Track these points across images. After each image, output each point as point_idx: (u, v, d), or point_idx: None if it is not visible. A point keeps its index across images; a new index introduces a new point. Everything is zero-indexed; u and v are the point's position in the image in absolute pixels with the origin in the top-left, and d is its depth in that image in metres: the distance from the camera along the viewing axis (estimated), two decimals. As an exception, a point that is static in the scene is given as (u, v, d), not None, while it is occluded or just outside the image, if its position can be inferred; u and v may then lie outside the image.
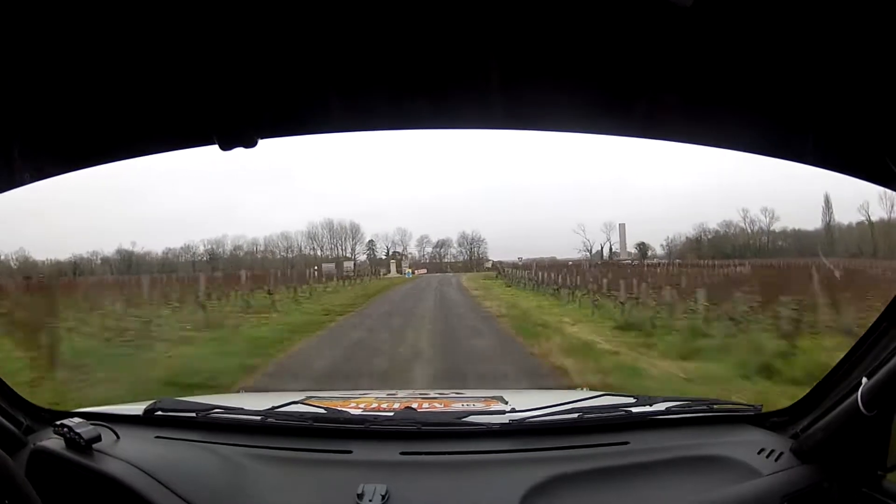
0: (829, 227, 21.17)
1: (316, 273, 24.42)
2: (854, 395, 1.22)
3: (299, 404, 1.70)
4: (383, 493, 1.32)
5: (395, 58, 1.10)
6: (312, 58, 1.09)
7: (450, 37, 1.04)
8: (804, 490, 1.31)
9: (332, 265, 23.97)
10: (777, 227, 23.72)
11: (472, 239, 28.96)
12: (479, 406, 1.79)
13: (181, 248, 25.26)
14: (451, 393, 2.17)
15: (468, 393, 2.17)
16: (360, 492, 1.33)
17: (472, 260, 28.58)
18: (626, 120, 1.29)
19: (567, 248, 25.84)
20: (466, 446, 1.53)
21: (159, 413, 1.69)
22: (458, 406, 1.81)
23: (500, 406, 1.77)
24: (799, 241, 21.95)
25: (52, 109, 1.18)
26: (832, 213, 20.95)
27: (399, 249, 28.15)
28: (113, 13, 0.91)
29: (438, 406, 1.84)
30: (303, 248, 26.56)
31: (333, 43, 1.05)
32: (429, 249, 28.71)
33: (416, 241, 28.46)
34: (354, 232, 28.11)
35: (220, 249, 26.08)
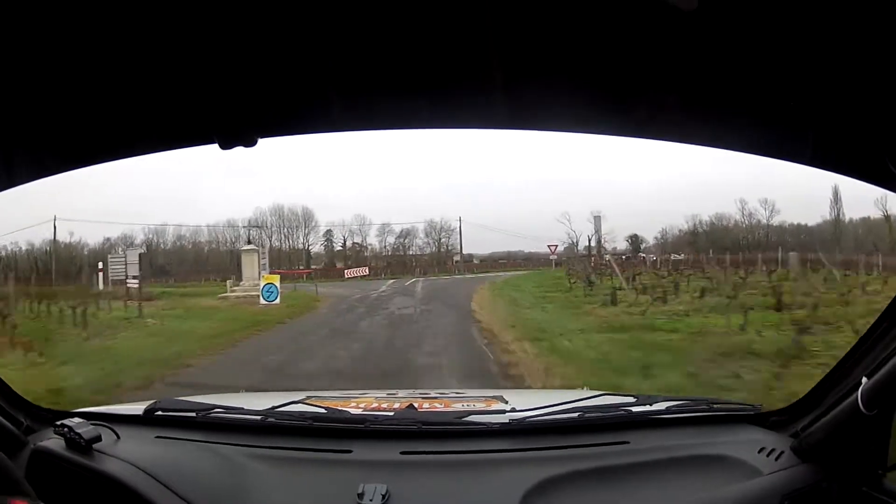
0: (838, 222, 20.35)
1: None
2: (854, 395, 1.22)
3: (299, 404, 1.70)
4: (383, 493, 1.32)
5: (396, 57, 1.10)
6: (313, 57, 1.09)
7: (452, 37, 1.04)
8: (804, 489, 1.31)
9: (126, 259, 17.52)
10: (776, 220, 23.00)
11: (442, 228, 25.32)
12: (480, 406, 1.79)
13: (118, 237, 23.15)
14: (451, 393, 2.18)
15: (468, 393, 2.17)
16: (360, 491, 1.33)
17: (441, 253, 25.20)
18: (626, 120, 1.29)
19: (543, 242, 24.53)
20: (467, 446, 1.53)
21: (159, 413, 1.69)
22: (458, 406, 1.81)
23: (500, 406, 1.77)
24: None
25: (53, 108, 1.18)
26: (840, 206, 20.27)
27: (358, 240, 24.71)
28: (114, 11, 0.91)
29: (439, 406, 1.84)
30: (251, 238, 23.61)
31: (334, 42, 1.05)
32: (391, 240, 25.52)
33: (376, 230, 25.07)
34: (307, 219, 24.63)
35: (161, 239, 23.92)
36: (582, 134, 1.39)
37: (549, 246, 23.74)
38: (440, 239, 25.78)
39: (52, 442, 1.49)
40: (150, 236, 24.22)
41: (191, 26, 0.97)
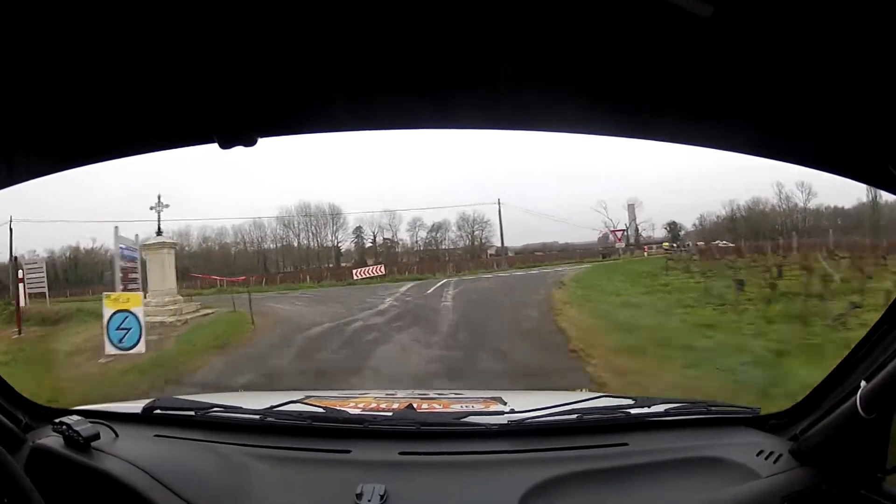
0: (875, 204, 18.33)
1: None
2: (853, 398, 1.22)
3: (298, 403, 1.70)
4: (382, 493, 1.32)
5: (399, 57, 1.10)
6: (315, 56, 1.09)
7: (455, 37, 1.03)
8: (803, 492, 1.31)
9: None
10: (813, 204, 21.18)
11: (474, 220, 23.02)
12: (479, 407, 1.79)
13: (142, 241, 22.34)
14: (450, 393, 2.18)
15: (467, 393, 2.17)
16: (358, 491, 1.33)
17: (475, 246, 23.15)
18: (628, 121, 1.29)
19: (574, 232, 22.56)
20: (465, 447, 1.53)
21: (158, 411, 1.69)
22: (457, 406, 1.81)
23: (499, 407, 1.77)
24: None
25: (52, 106, 1.18)
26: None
27: (388, 235, 22.49)
28: (113, 9, 0.91)
29: (437, 406, 1.84)
30: (277, 237, 22.68)
31: (336, 41, 1.05)
32: (423, 234, 23.57)
33: (407, 225, 23.27)
34: (335, 216, 23.06)
35: (185, 241, 22.20)
36: (584, 134, 1.39)
37: (611, 232, 20.82)
38: (473, 231, 23.59)
39: (51, 440, 1.49)
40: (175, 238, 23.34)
41: (191, 26, 0.97)
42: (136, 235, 12.73)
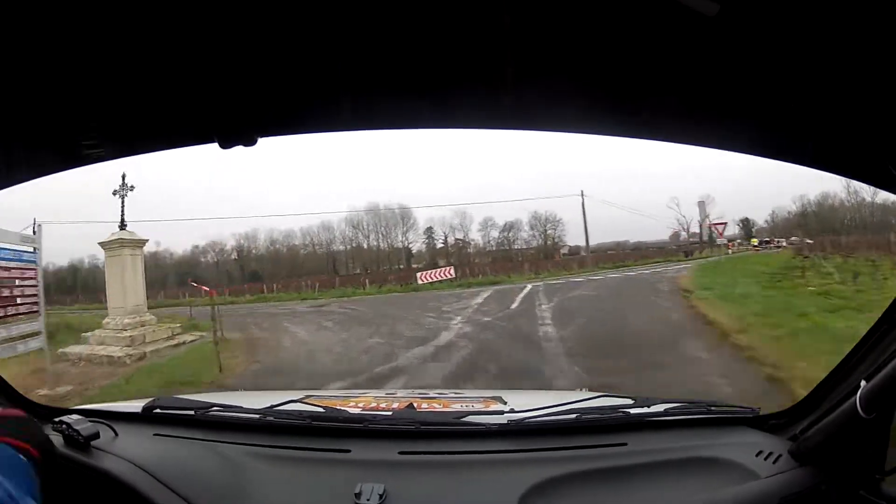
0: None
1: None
2: (853, 398, 1.22)
3: (298, 403, 1.70)
4: (381, 493, 1.32)
5: (401, 57, 1.10)
6: (315, 55, 1.09)
7: (457, 36, 1.03)
8: (802, 492, 1.31)
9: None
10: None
11: (546, 219, 21.92)
12: (478, 406, 1.79)
13: (207, 244, 21.63)
14: (450, 393, 2.18)
15: (467, 393, 2.17)
16: (357, 491, 1.33)
17: (548, 246, 22.02)
18: (629, 121, 1.29)
19: (642, 230, 21.13)
20: (465, 446, 1.53)
21: (158, 411, 1.69)
22: (457, 406, 1.81)
23: (499, 406, 1.77)
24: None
25: (53, 106, 1.18)
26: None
27: (460, 236, 21.29)
28: (113, 8, 0.91)
29: (437, 406, 1.84)
30: (346, 239, 21.86)
31: (337, 40, 1.04)
32: (494, 234, 22.30)
33: (478, 225, 22.13)
34: (405, 217, 22.18)
35: (252, 244, 22.32)
36: (586, 135, 1.38)
37: (713, 226, 18.21)
38: (545, 230, 22.36)
39: (51, 439, 1.49)
40: (242, 241, 22.61)
41: (192, 26, 0.97)
42: (39, 226, 8.90)
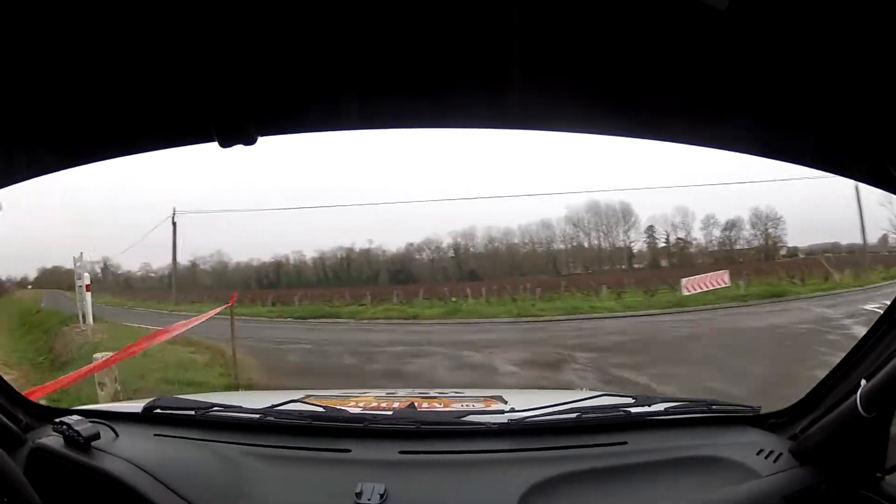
0: None
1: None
2: (853, 397, 1.22)
3: (298, 403, 1.70)
4: (381, 493, 1.32)
5: (401, 55, 1.09)
6: (317, 53, 1.08)
7: (459, 35, 1.03)
8: (802, 491, 1.31)
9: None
10: None
11: (767, 217, 18.99)
12: (479, 406, 1.79)
13: (422, 241, 19.81)
14: (450, 392, 2.17)
15: (468, 392, 2.17)
16: (358, 490, 1.33)
17: (768, 246, 19.33)
18: (628, 121, 1.28)
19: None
20: (465, 446, 1.53)
21: (158, 411, 1.69)
22: (457, 405, 1.81)
23: (499, 406, 1.77)
24: None
25: (51, 104, 1.17)
26: None
27: (682, 234, 19.14)
28: (111, 5, 0.91)
29: (438, 405, 1.84)
30: (565, 238, 19.61)
31: (338, 39, 1.04)
32: (716, 233, 19.89)
33: (700, 223, 19.64)
34: (626, 214, 19.98)
35: (469, 243, 20.55)
36: (586, 135, 1.38)
37: None
38: (766, 229, 19.70)
39: (51, 439, 1.49)
40: (458, 239, 21.02)
41: (191, 23, 0.97)
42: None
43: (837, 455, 1.32)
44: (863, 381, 1.22)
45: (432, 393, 2.12)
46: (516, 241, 21.17)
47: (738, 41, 0.98)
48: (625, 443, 1.52)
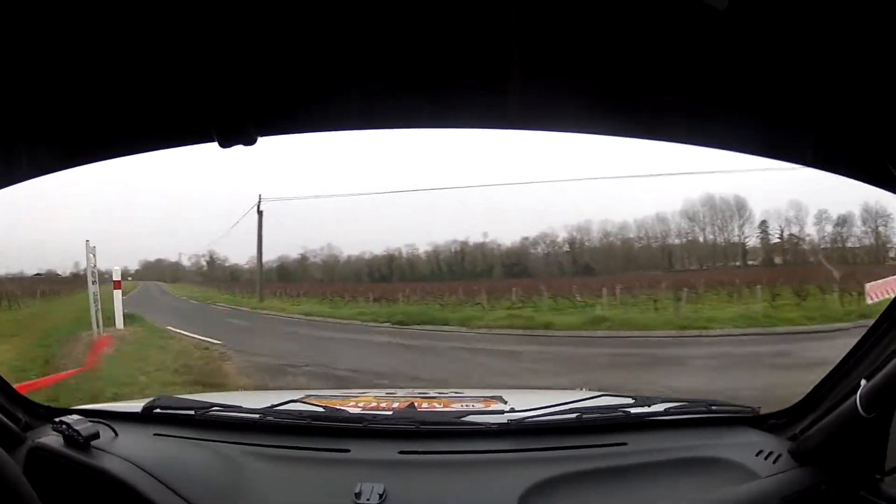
0: None
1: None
2: (853, 398, 1.22)
3: (298, 402, 1.70)
4: (381, 492, 1.32)
5: (401, 55, 1.09)
6: (317, 53, 1.08)
7: (459, 35, 1.03)
8: (802, 492, 1.31)
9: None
10: None
11: (877, 213, 16.80)
12: (479, 406, 1.79)
13: (538, 234, 18.54)
14: (450, 392, 2.17)
15: (467, 392, 2.17)
16: (357, 490, 1.33)
17: (878, 246, 17.26)
18: (628, 121, 1.28)
19: None
20: (465, 446, 1.53)
21: (158, 411, 1.69)
22: (457, 406, 1.81)
23: (499, 406, 1.77)
24: None
25: (51, 105, 1.17)
26: None
27: (795, 230, 17.10)
28: (111, 5, 0.91)
29: (437, 405, 1.83)
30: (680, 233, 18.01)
31: (338, 39, 1.04)
32: (829, 228, 17.83)
33: (813, 218, 17.55)
34: (740, 208, 18.58)
35: (585, 238, 19.33)
36: (586, 134, 1.38)
37: None
38: (876, 227, 17.88)
39: (51, 439, 1.49)
40: (574, 233, 19.84)
41: (191, 22, 0.97)
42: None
43: (837, 456, 1.32)
44: (863, 382, 1.22)
45: (432, 393, 2.12)
46: (631, 235, 19.39)
47: (738, 41, 0.98)
48: (625, 443, 1.52)
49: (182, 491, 1.37)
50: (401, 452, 1.49)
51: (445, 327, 11.85)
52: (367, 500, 1.32)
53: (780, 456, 1.41)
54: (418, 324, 12.14)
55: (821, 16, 0.90)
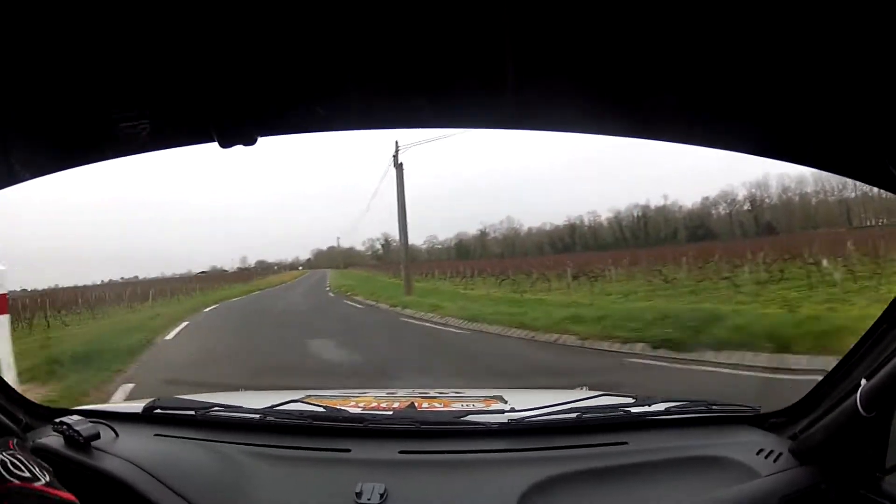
0: None
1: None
2: (853, 397, 1.22)
3: (298, 402, 1.70)
4: (381, 492, 1.33)
5: (401, 55, 1.09)
6: (317, 54, 1.08)
7: (458, 35, 1.03)
8: (802, 491, 1.31)
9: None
10: None
11: None
12: (479, 405, 1.79)
13: (718, 195, 17.37)
14: (450, 392, 2.17)
15: (468, 392, 2.17)
16: (358, 490, 1.33)
17: None
18: (628, 121, 1.28)
19: None
20: (465, 445, 1.53)
21: (158, 411, 1.69)
22: (457, 405, 1.81)
23: (499, 405, 1.77)
24: None
25: (50, 105, 1.17)
26: None
27: None
28: (111, 5, 0.91)
29: (438, 405, 1.84)
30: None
31: (338, 39, 1.04)
32: None
33: None
34: None
35: (765, 193, 17.91)
36: (586, 135, 1.38)
37: None
38: None
39: (51, 439, 1.49)
40: (754, 190, 18.59)
41: (191, 22, 0.97)
42: None
43: (837, 455, 1.32)
44: (863, 381, 1.22)
45: (432, 392, 2.12)
46: (808, 190, 17.62)
47: (738, 41, 0.98)
48: (625, 443, 1.52)
49: (183, 491, 1.37)
50: (401, 452, 1.49)
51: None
52: (368, 499, 1.32)
53: (780, 455, 1.41)
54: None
55: (820, 16, 0.90)
